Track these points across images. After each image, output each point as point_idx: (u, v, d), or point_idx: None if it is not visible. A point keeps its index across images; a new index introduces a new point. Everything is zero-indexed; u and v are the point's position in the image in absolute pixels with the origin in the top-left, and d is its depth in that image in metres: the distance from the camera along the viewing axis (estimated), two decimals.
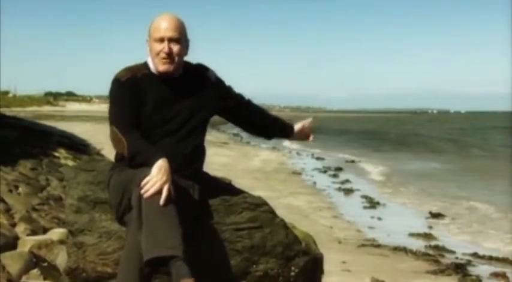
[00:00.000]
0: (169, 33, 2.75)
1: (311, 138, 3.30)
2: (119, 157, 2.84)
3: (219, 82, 3.00)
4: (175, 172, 2.65)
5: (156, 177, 2.50)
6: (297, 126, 3.24)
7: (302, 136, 3.29)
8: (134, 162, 2.67)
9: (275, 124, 3.19)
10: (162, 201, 2.46)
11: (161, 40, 2.75)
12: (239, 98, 3.07)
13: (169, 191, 2.50)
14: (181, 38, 2.79)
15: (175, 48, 2.76)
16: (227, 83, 3.04)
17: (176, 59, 2.78)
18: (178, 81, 2.83)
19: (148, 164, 2.56)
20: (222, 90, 2.99)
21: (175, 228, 2.45)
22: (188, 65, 2.92)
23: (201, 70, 2.96)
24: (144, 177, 2.52)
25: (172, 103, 2.80)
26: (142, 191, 2.48)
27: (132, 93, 2.75)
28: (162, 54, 2.75)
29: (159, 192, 2.47)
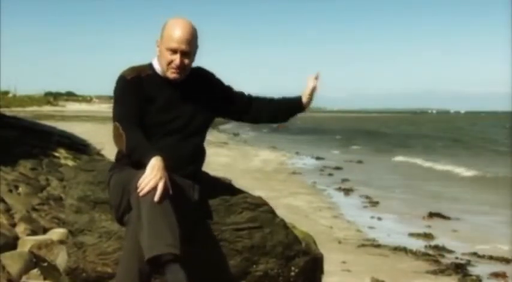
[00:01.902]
0: (183, 46, 2.76)
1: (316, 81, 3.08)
2: (119, 157, 2.85)
3: (220, 83, 3.03)
4: (175, 172, 2.66)
5: (150, 176, 2.51)
6: (306, 92, 3.07)
7: (312, 94, 3.11)
8: (131, 158, 2.69)
9: (285, 105, 3.12)
10: (156, 197, 2.46)
11: (174, 51, 2.76)
12: (240, 95, 3.09)
13: (164, 187, 2.50)
14: (193, 49, 2.82)
15: (187, 60, 2.80)
16: (227, 83, 3.06)
17: (186, 69, 2.82)
18: (182, 84, 2.85)
19: (144, 162, 2.57)
20: (224, 91, 3.02)
21: (173, 228, 2.46)
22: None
23: (202, 73, 2.99)
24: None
25: (174, 105, 2.83)
26: (138, 191, 2.49)
27: (136, 91, 2.77)
28: (173, 65, 2.77)
29: (154, 189, 2.48)
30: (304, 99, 3.10)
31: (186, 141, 2.83)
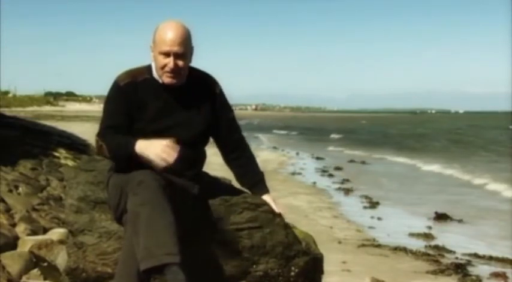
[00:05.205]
0: (175, 48, 2.67)
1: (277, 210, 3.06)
2: None
3: (223, 98, 2.95)
4: (175, 176, 2.65)
5: (156, 152, 2.53)
6: (268, 199, 3.03)
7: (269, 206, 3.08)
8: (119, 160, 2.65)
9: (253, 173, 3.05)
10: (171, 157, 2.54)
11: (167, 54, 2.68)
12: (235, 127, 3.02)
13: (171, 146, 2.55)
14: (187, 51, 2.72)
15: (181, 63, 2.70)
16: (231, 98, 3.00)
17: (181, 72, 2.73)
18: (181, 90, 2.77)
19: (129, 149, 2.55)
20: (223, 106, 2.94)
21: (172, 231, 2.42)
22: (193, 71, 2.85)
23: (208, 81, 2.91)
24: (139, 182, 2.49)
25: (173, 111, 2.76)
26: (161, 164, 2.53)
27: (127, 99, 2.70)
28: (167, 69, 2.69)
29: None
30: (263, 198, 3.01)
31: (185, 148, 2.73)
